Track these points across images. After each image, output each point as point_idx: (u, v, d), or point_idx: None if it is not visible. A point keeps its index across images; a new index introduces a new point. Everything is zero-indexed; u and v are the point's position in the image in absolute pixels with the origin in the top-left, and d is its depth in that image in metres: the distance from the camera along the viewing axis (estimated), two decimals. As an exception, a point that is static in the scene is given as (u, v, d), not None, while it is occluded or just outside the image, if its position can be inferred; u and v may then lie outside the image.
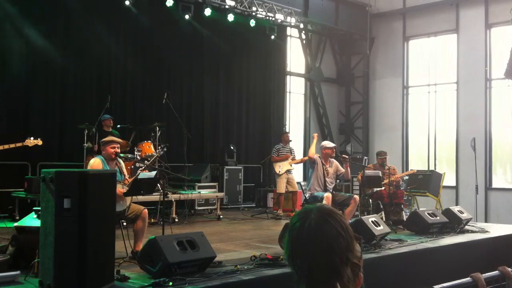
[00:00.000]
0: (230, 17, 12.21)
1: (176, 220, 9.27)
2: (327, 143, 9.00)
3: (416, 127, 15.78)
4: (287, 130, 14.30)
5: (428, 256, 6.77)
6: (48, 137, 9.22)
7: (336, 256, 1.58)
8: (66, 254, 3.05)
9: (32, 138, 7.77)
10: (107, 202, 3.44)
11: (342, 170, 8.82)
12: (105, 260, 3.38)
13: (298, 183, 11.47)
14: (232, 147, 12.38)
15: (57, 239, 3.08)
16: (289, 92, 15.46)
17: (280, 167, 10.90)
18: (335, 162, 8.86)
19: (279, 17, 13.17)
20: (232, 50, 13.24)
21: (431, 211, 8.21)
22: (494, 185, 13.98)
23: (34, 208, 5.43)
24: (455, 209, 8.50)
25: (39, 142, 7.85)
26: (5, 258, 4.98)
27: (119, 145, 6.14)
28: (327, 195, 8.22)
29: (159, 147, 9.05)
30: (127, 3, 10.86)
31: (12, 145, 7.52)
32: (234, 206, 12.01)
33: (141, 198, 7.33)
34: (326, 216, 1.63)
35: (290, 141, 11.40)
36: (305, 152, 14.71)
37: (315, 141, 9.08)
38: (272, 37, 13.44)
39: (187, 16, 11.68)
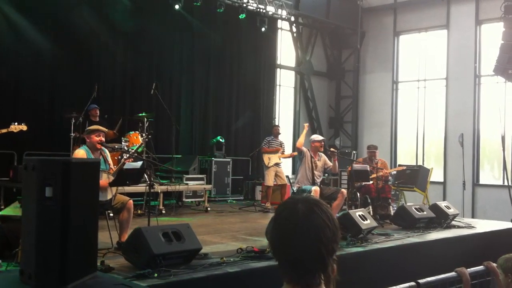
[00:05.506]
0: (221, 8, 12.12)
1: (163, 211, 9.23)
2: (316, 137, 9.01)
3: (405, 122, 15.83)
4: (277, 123, 14.28)
5: (415, 251, 6.78)
6: (36, 126, 9.09)
7: (323, 246, 1.56)
8: (47, 243, 2.99)
9: (16, 123, 7.66)
10: (90, 191, 3.37)
11: (330, 164, 8.82)
12: (87, 250, 3.32)
13: (287, 176, 11.43)
14: (221, 139, 12.32)
15: (38, 228, 3.01)
16: (279, 85, 15.42)
17: (269, 159, 10.88)
18: (323, 156, 8.86)
19: (270, 9, 13.10)
20: (222, 42, 13.15)
21: (418, 206, 8.21)
22: (481, 181, 14.08)
23: (19, 197, 5.37)
24: (442, 204, 8.51)
25: (24, 127, 7.73)
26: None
27: (104, 134, 6.06)
28: (315, 188, 8.21)
29: (144, 134, 8.98)
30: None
31: None
32: (222, 198, 11.97)
33: (127, 189, 7.27)
34: (313, 206, 1.61)
35: (279, 134, 11.39)
36: (294, 145, 14.68)
37: (305, 131, 9.07)
38: (263, 29, 13.38)
39: (177, 6, 11.56)
